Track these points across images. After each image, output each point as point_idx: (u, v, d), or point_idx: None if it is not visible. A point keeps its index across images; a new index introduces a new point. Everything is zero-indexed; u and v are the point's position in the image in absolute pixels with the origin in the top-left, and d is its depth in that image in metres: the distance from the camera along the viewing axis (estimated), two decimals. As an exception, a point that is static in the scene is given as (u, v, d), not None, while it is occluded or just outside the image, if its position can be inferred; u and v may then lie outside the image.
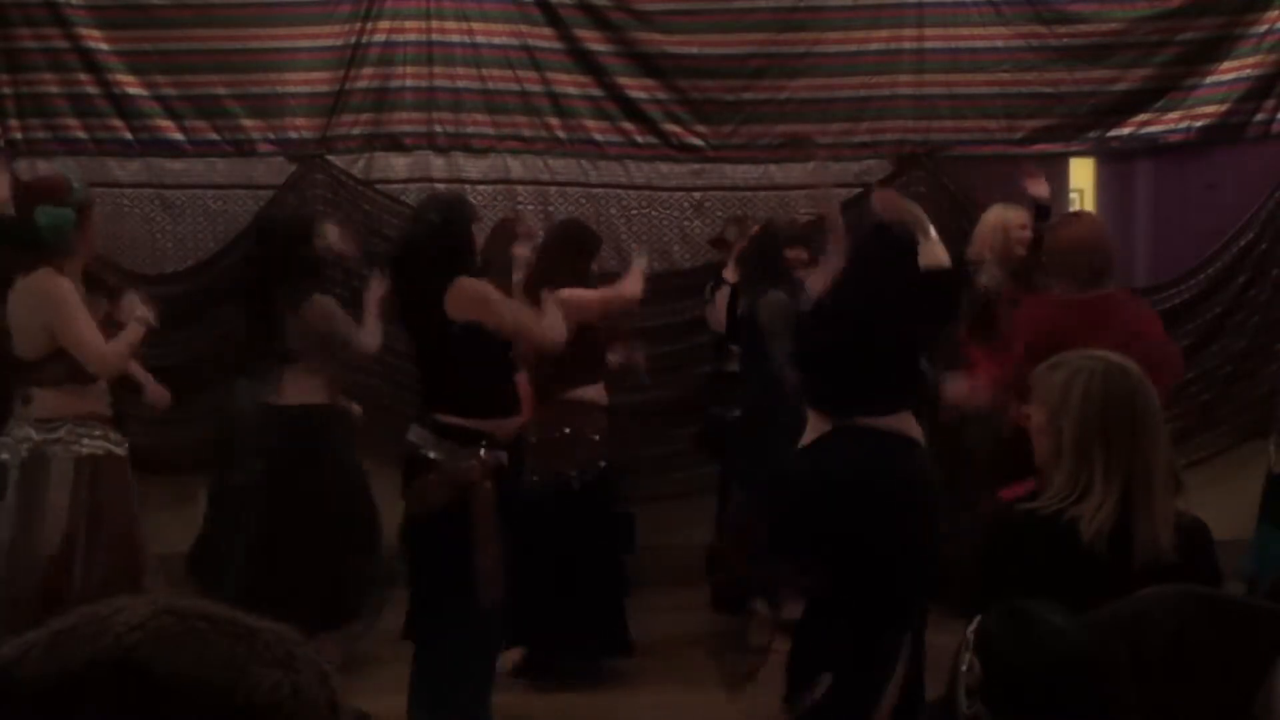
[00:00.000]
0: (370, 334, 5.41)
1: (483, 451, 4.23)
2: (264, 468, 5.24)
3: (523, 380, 5.19)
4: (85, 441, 4.43)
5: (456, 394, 4.29)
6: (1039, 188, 5.72)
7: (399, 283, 4.50)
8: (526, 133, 7.01)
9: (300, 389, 5.22)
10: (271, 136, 6.98)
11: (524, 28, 7.01)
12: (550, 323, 4.55)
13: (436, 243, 4.28)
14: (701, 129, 7.07)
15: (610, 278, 6.63)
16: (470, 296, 4.21)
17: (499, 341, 4.33)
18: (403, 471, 4.34)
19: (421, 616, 4.39)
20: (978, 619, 2.08)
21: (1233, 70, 7.00)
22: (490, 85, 7.01)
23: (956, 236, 6.92)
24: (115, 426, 4.54)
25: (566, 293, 4.84)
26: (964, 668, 2.04)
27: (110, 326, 4.49)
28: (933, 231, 4.43)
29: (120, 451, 4.51)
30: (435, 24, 6.98)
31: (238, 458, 5.58)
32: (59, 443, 4.41)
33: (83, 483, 4.39)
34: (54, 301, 4.32)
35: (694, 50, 7.04)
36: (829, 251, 5.38)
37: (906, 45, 7.02)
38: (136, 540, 4.50)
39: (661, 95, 7.07)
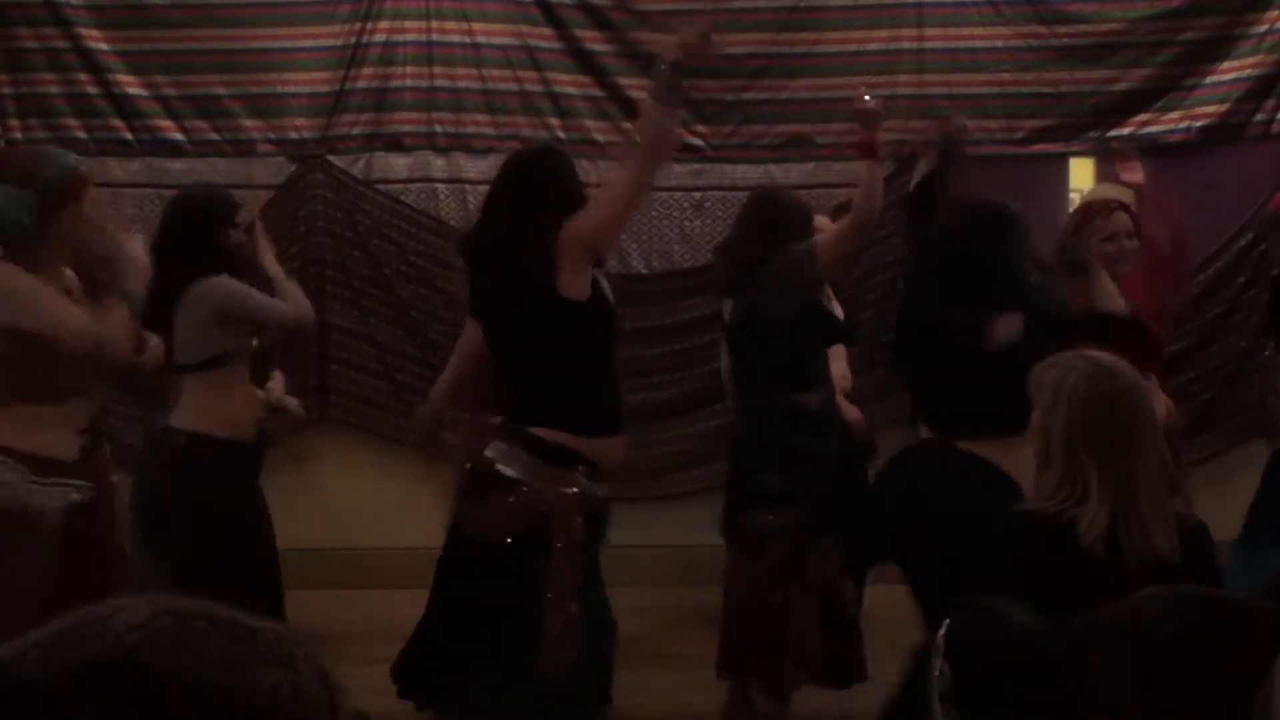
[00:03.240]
0: (288, 301, 4.39)
1: (581, 477, 3.46)
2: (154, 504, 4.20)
3: None
4: None
5: (553, 400, 3.53)
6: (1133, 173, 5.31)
7: (480, 258, 3.67)
8: (526, 133, 7.00)
9: (194, 411, 4.32)
10: (271, 136, 6.98)
11: (524, 28, 7.01)
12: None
13: (518, 204, 3.54)
14: (701, 129, 7.06)
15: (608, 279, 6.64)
16: (569, 248, 3.48)
17: (604, 334, 3.61)
18: (464, 492, 3.60)
19: (460, 684, 3.55)
20: (946, 624, 2.08)
21: (1233, 70, 7.00)
22: (490, 85, 7.01)
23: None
24: (31, 470, 3.56)
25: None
26: (935, 673, 2.04)
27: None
28: None
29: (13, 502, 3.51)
30: (435, 24, 6.97)
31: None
32: None
33: None
34: (9, 296, 3.58)
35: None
36: None
37: (906, 45, 7.02)
38: None
39: (661, 95, 7.06)
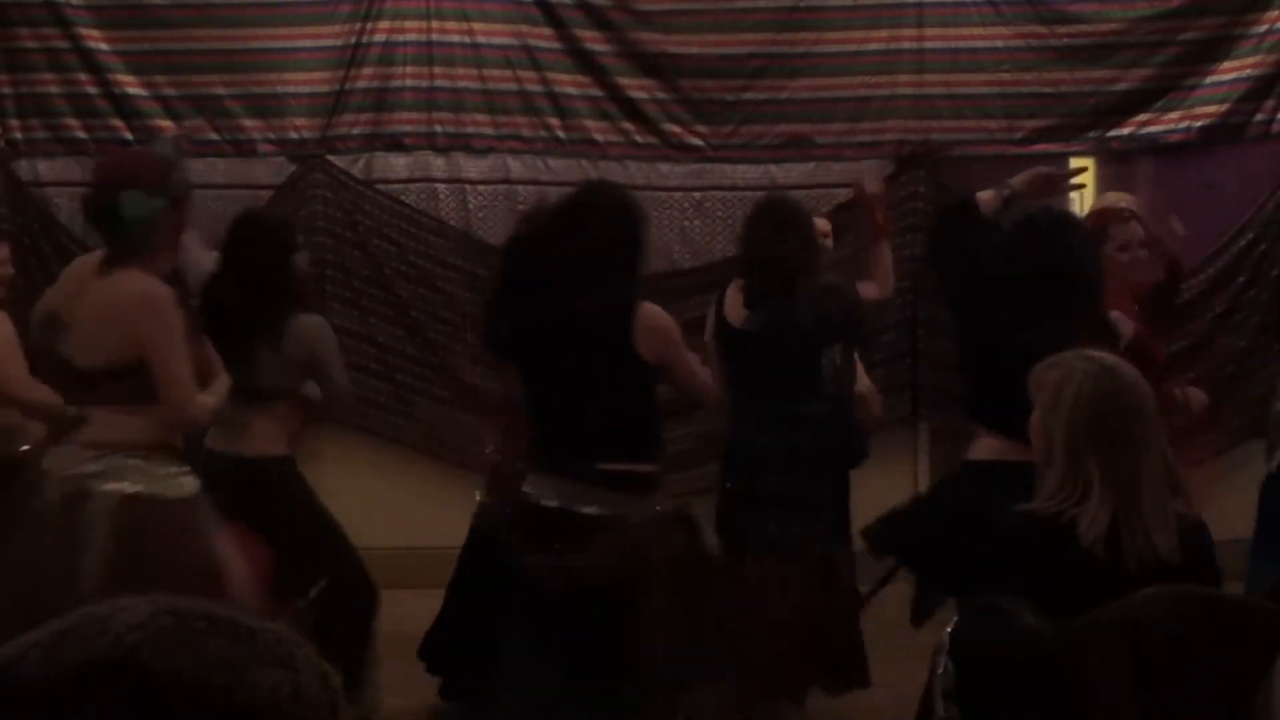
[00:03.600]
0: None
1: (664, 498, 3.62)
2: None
3: None
4: (133, 477, 3.50)
5: (633, 433, 3.63)
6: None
7: (548, 292, 3.62)
8: (526, 133, 7.01)
9: (268, 437, 4.37)
10: (271, 136, 6.97)
11: (524, 28, 7.01)
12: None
13: (620, 249, 3.59)
14: (701, 129, 7.06)
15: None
16: (661, 334, 3.60)
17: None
18: (536, 543, 3.56)
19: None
20: (953, 621, 2.09)
21: (1233, 70, 7.00)
22: (490, 85, 7.01)
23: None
24: (180, 460, 3.63)
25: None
26: (939, 670, 2.04)
27: None
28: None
29: (176, 493, 3.55)
30: (435, 24, 6.97)
31: None
32: (102, 476, 3.50)
33: (124, 531, 3.44)
34: (153, 311, 3.50)
35: (694, 50, 7.03)
36: None
37: (906, 45, 7.02)
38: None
39: (661, 95, 7.06)
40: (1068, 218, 4.03)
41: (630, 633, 3.45)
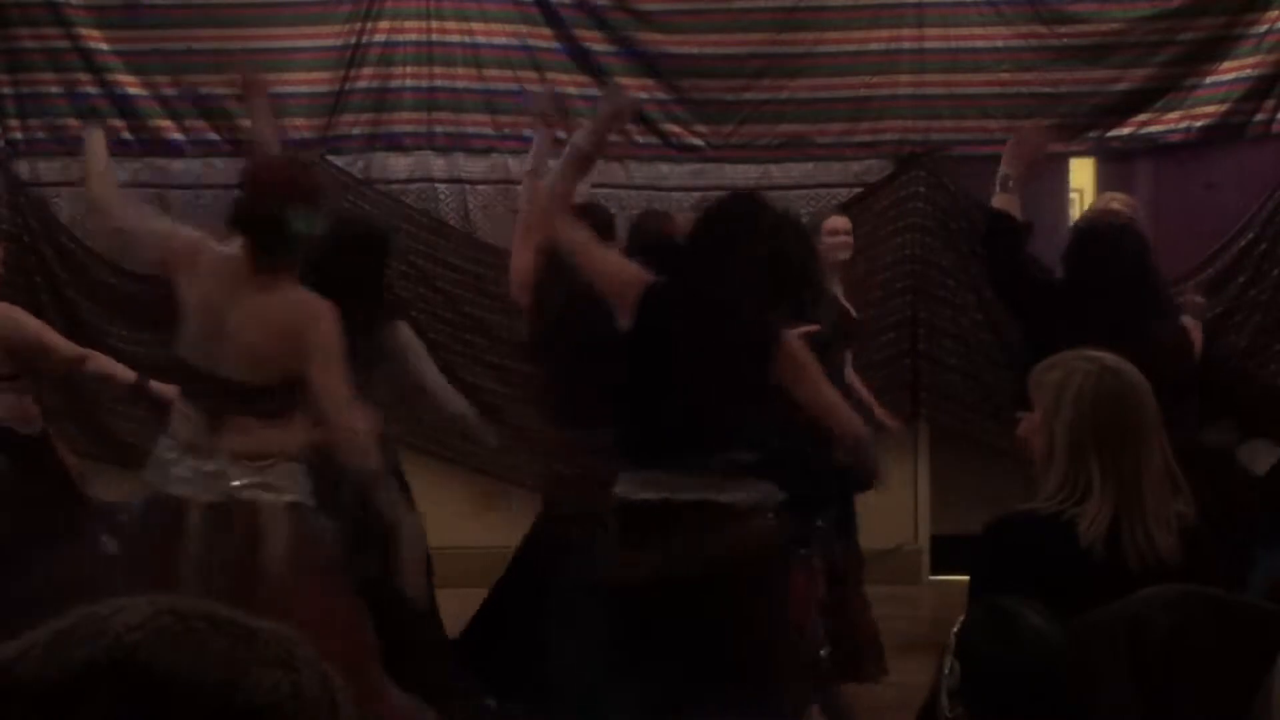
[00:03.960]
0: None
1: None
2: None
3: None
4: (292, 488, 3.55)
5: (748, 425, 3.64)
6: None
7: (699, 300, 3.62)
8: (526, 133, 7.01)
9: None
10: (272, 136, 6.97)
11: (524, 28, 7.01)
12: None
13: (775, 276, 3.63)
14: (701, 129, 7.06)
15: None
16: (799, 371, 3.61)
17: None
18: (634, 530, 3.51)
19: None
20: (960, 621, 2.10)
21: (1233, 70, 7.00)
22: (490, 85, 7.01)
23: (956, 236, 6.96)
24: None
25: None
26: (946, 670, 2.05)
27: None
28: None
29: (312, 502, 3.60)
30: (435, 24, 6.98)
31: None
32: (268, 488, 3.51)
33: (297, 538, 3.50)
34: (325, 329, 3.49)
35: (694, 50, 7.04)
36: None
37: (906, 45, 7.02)
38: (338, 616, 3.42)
39: (661, 95, 7.07)
40: (1127, 227, 4.08)
41: (761, 619, 3.53)
